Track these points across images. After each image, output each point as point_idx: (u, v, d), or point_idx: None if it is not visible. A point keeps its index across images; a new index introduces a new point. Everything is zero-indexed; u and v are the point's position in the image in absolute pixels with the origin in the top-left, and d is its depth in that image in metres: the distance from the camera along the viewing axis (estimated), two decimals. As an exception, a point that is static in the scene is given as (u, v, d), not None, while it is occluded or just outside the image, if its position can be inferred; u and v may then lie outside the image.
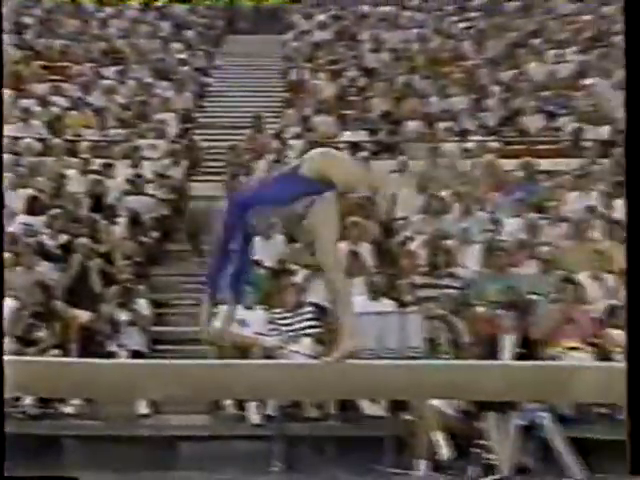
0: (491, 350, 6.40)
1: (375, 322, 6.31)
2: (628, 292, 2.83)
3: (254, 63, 14.83)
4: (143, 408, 7.02)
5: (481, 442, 6.12)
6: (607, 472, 5.77)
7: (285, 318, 7.12)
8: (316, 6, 16.26)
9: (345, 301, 3.58)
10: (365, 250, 8.35)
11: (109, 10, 15.84)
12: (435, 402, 6.11)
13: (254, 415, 6.72)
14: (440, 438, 6.11)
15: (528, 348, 6.50)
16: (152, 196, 9.88)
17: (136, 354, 7.37)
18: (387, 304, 7.20)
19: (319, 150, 3.55)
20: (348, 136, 11.78)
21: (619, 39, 14.43)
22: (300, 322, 7.11)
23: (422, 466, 6.06)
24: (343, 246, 8.31)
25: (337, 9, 16.13)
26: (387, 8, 16.07)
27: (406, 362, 4.98)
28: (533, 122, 12.12)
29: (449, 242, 8.44)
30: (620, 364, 6.12)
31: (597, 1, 15.85)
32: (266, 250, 8.36)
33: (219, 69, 14.74)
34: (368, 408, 6.65)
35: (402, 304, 7.39)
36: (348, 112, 12.22)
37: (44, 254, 8.29)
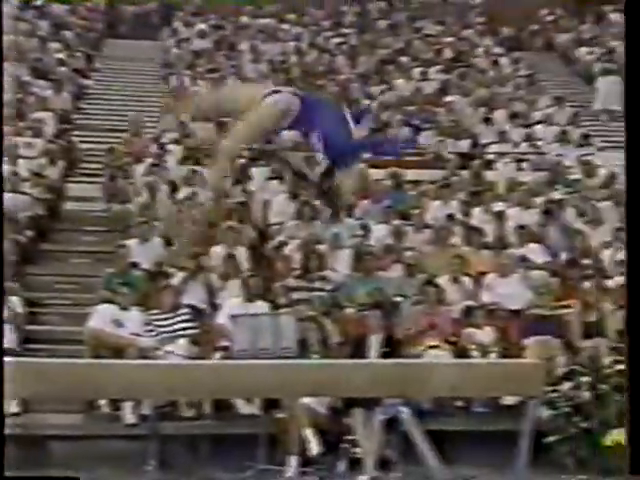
0: (359, 349, 6.51)
1: (249, 323, 6.28)
2: (628, 293, 2.89)
3: (134, 68, 14.49)
4: (13, 407, 6.69)
5: (349, 437, 6.21)
6: (462, 461, 5.99)
7: (161, 319, 6.99)
8: (196, 15, 16.08)
9: None
10: (241, 254, 8.32)
11: (-16, 7, 15.06)
12: (306, 400, 6.15)
13: (129, 415, 6.55)
14: (310, 434, 6.16)
15: (392, 347, 6.66)
16: (28, 195, 9.47)
17: (6, 351, 6.99)
18: (261, 306, 7.20)
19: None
20: (225, 142, 11.71)
21: (477, 60, 15.11)
22: (176, 323, 6.99)
23: (293, 462, 6.09)
24: (219, 249, 8.26)
25: (217, 19, 16.02)
26: (266, 20, 16.12)
27: (278, 362, 5.00)
28: (400, 135, 12.45)
29: (321, 247, 8.54)
30: (475, 360, 6.41)
31: (458, 24, 16.55)
32: (143, 252, 8.20)
33: (98, 72, 14.32)
34: (242, 407, 6.61)
35: (276, 306, 7.40)
36: (226, 119, 12.15)
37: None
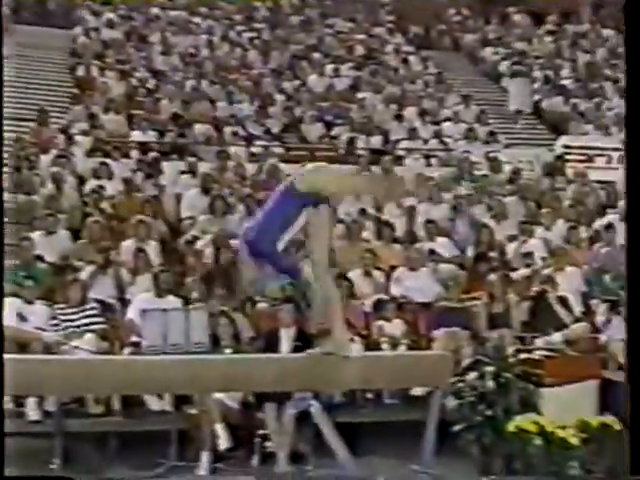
0: (271, 344, 6.45)
1: (160, 318, 6.13)
2: (628, 295, 2.91)
3: (40, 55, 13.97)
4: None
5: (261, 432, 6.15)
6: (373, 452, 6.03)
7: (68, 314, 6.75)
8: (105, 3, 15.64)
9: (335, 306, 3.96)
10: (152, 248, 8.13)
11: None
12: (217, 395, 6.06)
13: (32, 411, 6.30)
14: (220, 429, 6.07)
15: (305, 341, 6.63)
16: None
17: None
18: (173, 301, 7.06)
19: (312, 166, 3.63)
20: (136, 136, 11.46)
21: (388, 58, 15.29)
22: (83, 318, 6.77)
23: (205, 458, 5.99)
24: (129, 243, 8.06)
25: (126, 9, 15.63)
26: (176, 12, 15.83)
27: (189, 357, 4.91)
28: (313, 130, 12.47)
29: (233, 242, 8.44)
30: (384, 353, 6.45)
31: (369, 22, 16.71)
32: (49, 245, 7.92)
33: (5, 58, 13.70)
34: (153, 403, 6.46)
35: (188, 301, 7.27)
36: (137, 112, 11.88)
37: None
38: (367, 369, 3.92)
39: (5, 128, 11.95)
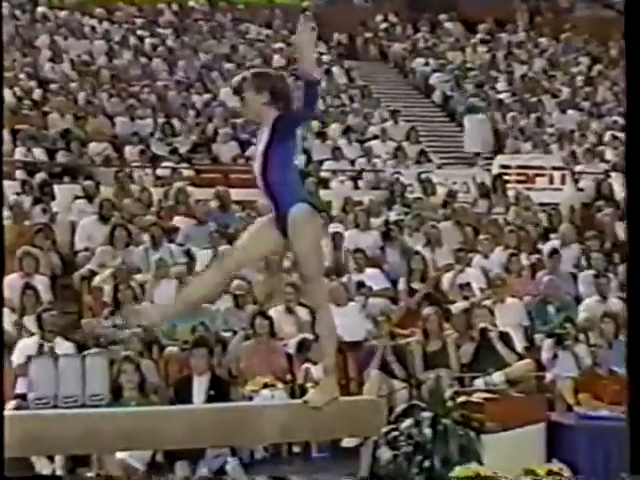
0: (182, 393, 6.37)
1: (50, 366, 5.97)
2: (628, 297, 3.01)
3: None
4: None
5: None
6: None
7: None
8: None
9: (333, 344, 3.91)
10: (41, 284, 7.94)
11: None
12: (120, 455, 5.92)
13: None
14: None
15: (220, 389, 6.57)
16: None
17: None
18: (65, 346, 6.88)
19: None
20: (22, 154, 11.22)
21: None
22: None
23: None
24: (15, 278, 7.85)
25: (8, 7, 15.31)
26: (67, 13, 15.58)
27: (84, 411, 4.79)
28: (226, 150, 12.47)
29: (138, 277, 8.32)
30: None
31: (287, 28, 16.88)
32: None
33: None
34: (42, 466, 6.26)
35: (83, 346, 7.11)
36: (22, 127, 11.64)
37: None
38: (290, 419, 3.90)
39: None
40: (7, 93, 12.42)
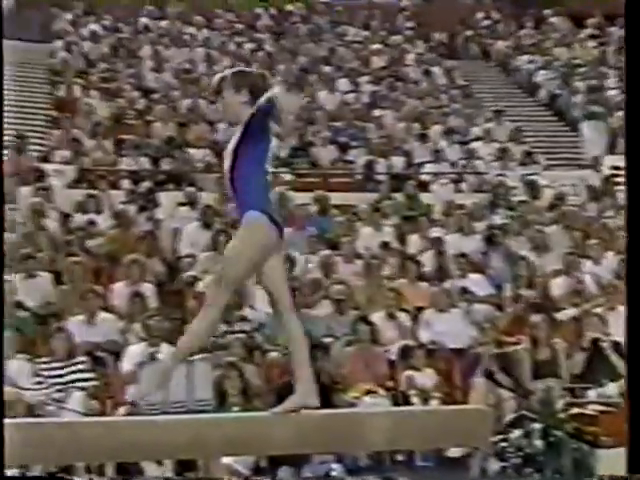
0: (284, 399, 6.46)
1: (156, 372, 6.17)
2: (628, 296, 3.08)
3: (14, 74, 14.18)
4: None
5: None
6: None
7: (52, 369, 6.82)
8: (88, 14, 15.86)
9: (301, 347, 3.81)
10: (148, 291, 8.21)
11: None
12: (225, 459, 6.08)
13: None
14: (231, 498, 6.09)
15: (322, 394, 6.64)
16: None
17: None
18: (169, 351, 7.09)
19: None
20: (127, 163, 11.59)
21: (408, 70, 15.44)
22: (70, 374, 6.83)
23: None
24: (122, 286, 8.14)
25: (112, 20, 15.85)
26: (169, 22, 16.01)
27: (192, 417, 4.94)
28: (325, 153, 12.57)
29: (239, 282, 8.49)
30: (412, 408, 6.47)
31: (386, 29, 16.87)
32: (30, 290, 7.99)
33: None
34: (151, 470, 6.48)
35: (188, 352, 7.30)
36: (126, 136, 12.03)
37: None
38: (395, 426, 3.94)
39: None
40: (112, 105, 12.88)
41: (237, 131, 3.62)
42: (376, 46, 15.99)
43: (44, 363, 6.86)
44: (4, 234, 7.41)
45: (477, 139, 13.29)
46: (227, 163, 3.64)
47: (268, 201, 3.64)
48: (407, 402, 6.85)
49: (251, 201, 3.56)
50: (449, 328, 7.83)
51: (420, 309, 8.21)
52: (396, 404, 6.72)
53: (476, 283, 8.76)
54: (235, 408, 6.39)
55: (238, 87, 3.62)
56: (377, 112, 13.61)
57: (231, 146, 3.64)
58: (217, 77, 3.71)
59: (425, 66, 15.49)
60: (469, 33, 17.45)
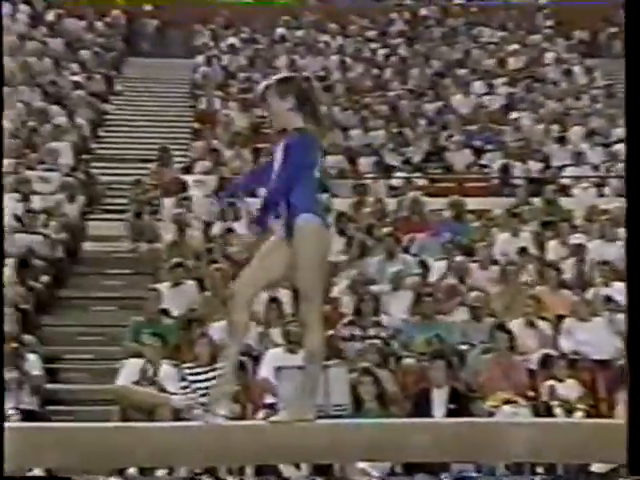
0: (421, 406, 6.49)
1: (295, 377, 6.31)
2: (628, 296, 3.03)
3: (158, 89, 14.82)
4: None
5: (410, 506, 6.18)
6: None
7: (196, 374, 7.04)
8: (227, 27, 16.38)
9: (316, 364, 3.82)
10: (284, 297, 8.38)
11: (-8, 25, 15.60)
12: (361, 464, 6.15)
13: (160, 483, 6.61)
14: (366, 504, 6.15)
15: (459, 403, 6.63)
16: (43, 235, 9.68)
17: (29, 416, 7.11)
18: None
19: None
20: (263, 171, 11.85)
21: (547, 70, 15.12)
22: (213, 378, 7.02)
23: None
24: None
25: (250, 31, 16.29)
26: (303, 31, 16.31)
27: (329, 422, 5.02)
28: (460, 158, 12.48)
29: (373, 288, 8.56)
30: (557, 420, 6.35)
31: (524, 29, 16.57)
32: (175, 298, 8.29)
33: (119, 95, 14.65)
34: (289, 472, 6.63)
35: (325, 357, 7.40)
36: (263, 145, 12.32)
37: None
38: (538, 437, 3.88)
39: (122, 171, 12.82)
40: (249, 114, 13.19)
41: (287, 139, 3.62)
42: (513, 46, 15.74)
43: (189, 368, 7.08)
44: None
45: (620, 141, 12.87)
46: (277, 165, 3.63)
47: (319, 204, 3.66)
48: (549, 413, 6.72)
49: (304, 205, 3.54)
50: (592, 338, 7.63)
51: (561, 317, 8.03)
52: (537, 415, 6.60)
53: (620, 292, 8.49)
54: (371, 414, 6.44)
55: (283, 94, 3.64)
56: (514, 114, 13.40)
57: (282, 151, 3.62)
58: (262, 85, 3.74)
59: (565, 66, 15.13)
60: (613, 30, 16.91)
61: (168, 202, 10.41)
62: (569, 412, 6.74)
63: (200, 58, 15.29)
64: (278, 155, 3.65)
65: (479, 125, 13.11)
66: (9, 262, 8.90)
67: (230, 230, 9.66)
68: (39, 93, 13.34)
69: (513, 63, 15.25)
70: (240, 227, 9.91)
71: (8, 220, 9.78)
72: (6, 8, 15.84)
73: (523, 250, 9.18)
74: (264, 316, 7.96)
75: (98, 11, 16.35)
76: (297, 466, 6.47)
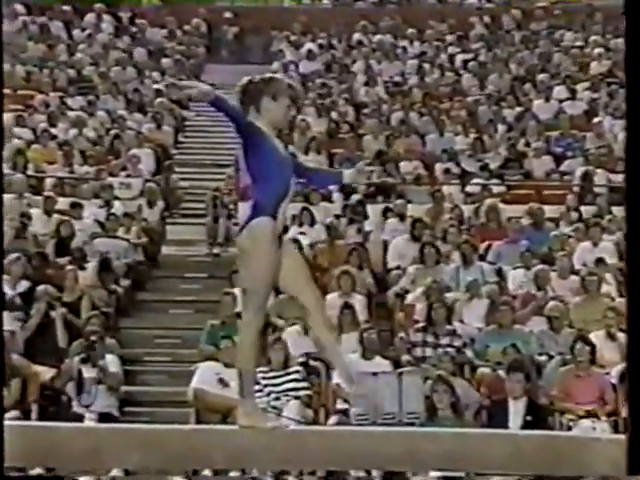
0: (497, 417, 6.42)
1: (369, 384, 6.32)
2: (628, 296, 3.00)
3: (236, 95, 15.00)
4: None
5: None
6: None
7: (270, 377, 7.11)
8: (304, 34, 16.49)
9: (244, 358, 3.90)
10: (358, 303, 8.40)
11: (78, 34, 16.04)
12: (434, 474, 6.12)
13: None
14: (439, 514, 6.11)
15: (536, 414, 6.54)
16: (124, 240, 9.91)
17: (105, 417, 7.30)
18: (382, 364, 7.23)
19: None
20: (339, 177, 11.89)
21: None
22: (286, 382, 7.09)
23: None
24: (333, 297, 8.37)
25: (326, 37, 16.36)
26: (380, 36, 16.31)
27: (403, 429, 5.02)
28: (539, 164, 12.30)
29: (448, 295, 8.51)
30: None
31: (607, 32, 16.21)
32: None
33: (198, 102, 14.87)
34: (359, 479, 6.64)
35: (397, 364, 7.41)
36: (338, 150, 12.37)
37: (2, 303, 8.28)
38: (617, 455, 3.81)
39: (201, 176, 12.97)
40: (325, 119, 13.23)
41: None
42: (596, 50, 15.43)
43: (262, 372, 7.16)
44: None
45: None
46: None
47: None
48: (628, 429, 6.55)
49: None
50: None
51: (643, 329, 7.82)
52: (616, 431, 6.46)
53: None
54: (446, 423, 6.40)
55: (284, 93, 3.82)
56: (596, 120, 13.14)
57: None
58: (277, 86, 3.84)
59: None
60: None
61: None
62: (651, 428, 6.57)
63: (276, 64, 15.43)
64: None
65: (560, 131, 12.90)
66: (91, 266, 9.15)
67: (303, 234, 9.73)
68: (122, 102, 13.65)
69: (596, 67, 14.96)
70: (313, 232, 9.97)
71: (91, 225, 10.07)
72: (90, 19, 16.30)
73: (600, 260, 9.00)
74: (337, 321, 7.99)
75: (179, 20, 16.66)
76: (368, 472, 6.48)
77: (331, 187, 11.63)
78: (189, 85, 3.74)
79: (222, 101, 3.69)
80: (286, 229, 3.85)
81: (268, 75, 3.98)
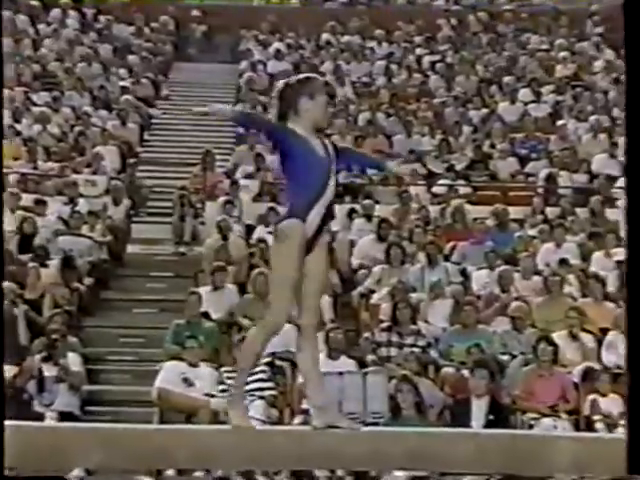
0: (460, 416, 6.46)
1: (334, 383, 6.33)
2: (628, 296, 3.03)
3: (204, 94, 14.92)
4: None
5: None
6: None
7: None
8: (272, 33, 16.46)
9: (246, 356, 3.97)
10: (324, 303, 8.40)
11: (43, 29, 15.86)
12: (398, 473, 6.14)
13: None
14: (403, 513, 6.13)
15: (498, 414, 6.59)
16: (88, 237, 9.83)
17: (66, 416, 7.24)
18: (347, 363, 7.24)
19: None
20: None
21: (596, 78, 14.92)
22: (252, 382, 7.08)
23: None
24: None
25: (294, 37, 16.34)
26: (349, 37, 16.33)
27: (367, 429, 5.03)
28: (504, 166, 12.39)
29: (413, 295, 8.55)
30: (602, 435, 6.26)
31: (572, 36, 16.38)
32: (216, 301, 8.36)
33: (165, 99, 14.80)
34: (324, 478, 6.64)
35: (362, 364, 7.43)
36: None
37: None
38: (583, 452, 3.85)
39: (167, 175, 12.88)
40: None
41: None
42: (561, 54, 15.58)
43: (228, 372, 7.14)
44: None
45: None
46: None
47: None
48: (590, 428, 6.64)
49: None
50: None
51: (605, 331, 7.93)
52: (578, 429, 6.53)
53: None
54: (408, 422, 6.43)
55: (320, 91, 3.83)
56: (560, 123, 13.27)
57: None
58: (314, 85, 3.84)
59: (614, 74, 14.92)
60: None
61: (211, 206, 10.49)
62: (611, 427, 6.65)
63: (244, 63, 15.38)
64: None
65: (525, 133, 13.00)
66: (53, 264, 9.06)
67: (270, 233, 9.71)
68: (87, 98, 13.53)
69: (561, 70, 15.10)
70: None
71: (54, 223, 9.97)
72: (56, 14, 16.13)
73: (564, 261, 9.10)
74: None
75: (147, 17, 16.53)
76: (332, 472, 6.49)
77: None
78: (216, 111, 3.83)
79: (250, 118, 3.90)
80: (320, 230, 3.77)
81: (303, 75, 3.94)
